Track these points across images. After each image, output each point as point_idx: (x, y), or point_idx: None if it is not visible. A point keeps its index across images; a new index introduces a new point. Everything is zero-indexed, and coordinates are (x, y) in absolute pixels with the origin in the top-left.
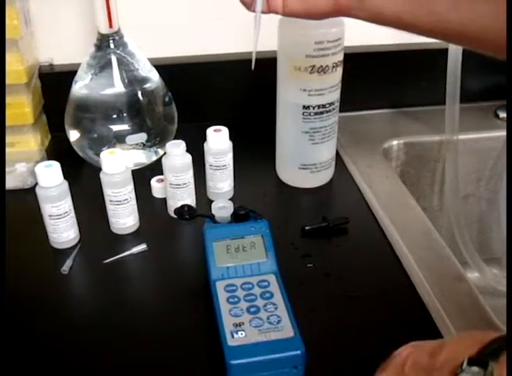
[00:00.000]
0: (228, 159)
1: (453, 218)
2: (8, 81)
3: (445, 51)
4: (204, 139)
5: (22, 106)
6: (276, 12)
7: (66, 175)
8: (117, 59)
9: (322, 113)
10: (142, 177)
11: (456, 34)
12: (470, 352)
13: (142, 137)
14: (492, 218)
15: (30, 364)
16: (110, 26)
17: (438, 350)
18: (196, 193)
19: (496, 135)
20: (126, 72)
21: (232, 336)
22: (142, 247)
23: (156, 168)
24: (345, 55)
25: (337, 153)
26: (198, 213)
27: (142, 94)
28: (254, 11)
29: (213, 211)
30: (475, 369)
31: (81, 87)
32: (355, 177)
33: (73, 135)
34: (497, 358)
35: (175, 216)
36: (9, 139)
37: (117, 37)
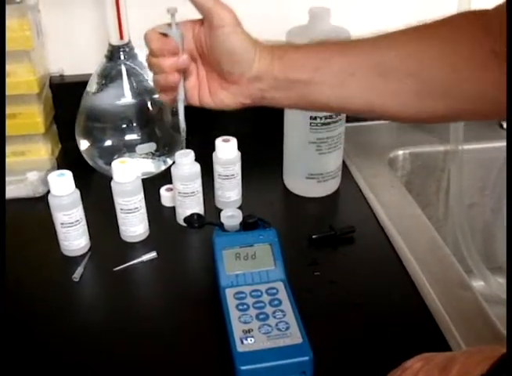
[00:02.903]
0: (237, 168)
1: (458, 227)
2: (19, 91)
3: None
4: (213, 148)
5: (33, 116)
6: (195, 105)
7: (76, 184)
8: (127, 70)
9: (329, 123)
10: (151, 186)
11: (344, 110)
12: (481, 369)
13: (151, 146)
14: (497, 227)
15: (41, 371)
16: (121, 37)
17: (449, 365)
18: (204, 202)
19: (500, 146)
20: (136, 83)
21: (242, 342)
22: (152, 254)
23: (164, 177)
24: None
25: (344, 163)
26: (207, 221)
27: (151, 104)
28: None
29: (222, 220)
30: None
31: (91, 97)
32: (361, 186)
33: (84, 144)
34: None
35: (184, 224)
36: (20, 148)
37: (127, 49)
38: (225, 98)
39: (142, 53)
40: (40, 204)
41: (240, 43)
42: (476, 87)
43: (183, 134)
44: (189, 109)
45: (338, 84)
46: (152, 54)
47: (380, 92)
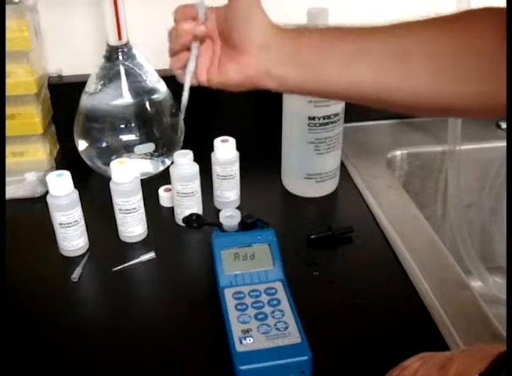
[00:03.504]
0: (235, 169)
1: (456, 227)
2: (18, 91)
3: None
4: (211, 149)
5: (31, 117)
6: (203, 84)
7: (74, 185)
8: (126, 71)
9: (327, 123)
10: (150, 186)
11: (350, 95)
12: (479, 367)
13: (150, 147)
14: (495, 228)
15: (39, 371)
16: (120, 38)
17: (448, 364)
18: (203, 202)
19: (498, 146)
20: (134, 83)
21: (241, 342)
22: (151, 255)
23: (163, 177)
24: None
25: (342, 164)
26: (206, 221)
27: (150, 105)
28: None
29: (221, 220)
30: None
31: (89, 97)
32: (359, 187)
33: (82, 144)
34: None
35: (183, 225)
36: (18, 148)
37: (125, 49)
38: (231, 70)
39: (140, 54)
40: (38, 205)
41: (257, 12)
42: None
43: (183, 111)
44: (186, 108)
45: (349, 63)
46: (175, 21)
47: (393, 73)
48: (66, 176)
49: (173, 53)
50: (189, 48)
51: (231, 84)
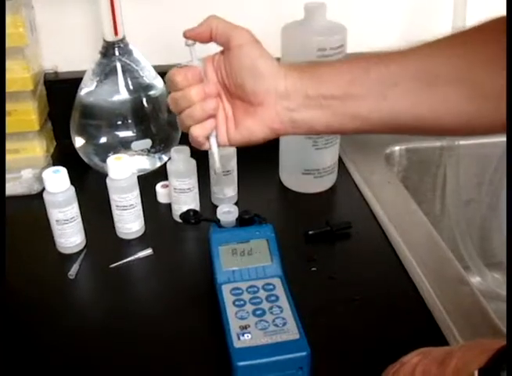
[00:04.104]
0: (233, 165)
1: (455, 222)
2: (14, 88)
3: None
4: None
5: (27, 113)
6: (225, 146)
7: (71, 181)
8: (122, 67)
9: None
10: (147, 183)
11: (382, 128)
12: (479, 362)
13: (147, 143)
14: (494, 223)
15: (36, 369)
16: (116, 33)
17: (447, 359)
18: (200, 198)
19: (497, 141)
20: (131, 79)
21: (239, 338)
22: (148, 251)
23: (160, 173)
24: None
25: (340, 159)
26: (203, 217)
27: (146, 101)
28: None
29: (218, 216)
30: None
31: (86, 94)
32: (357, 182)
33: (79, 141)
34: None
35: (180, 221)
36: (14, 145)
37: (122, 45)
38: (251, 125)
39: (136, 49)
40: (35, 202)
41: (262, 58)
42: None
43: (219, 172)
44: None
45: (379, 96)
46: (176, 88)
47: (429, 102)
48: (62, 173)
49: (196, 122)
50: (214, 115)
51: (255, 140)
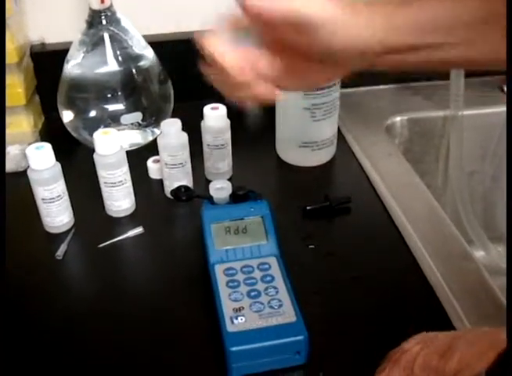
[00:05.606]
0: (227, 138)
1: (458, 195)
2: None
3: None
4: (201, 117)
5: (14, 87)
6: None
7: (60, 157)
8: (110, 36)
9: (323, 88)
10: (139, 158)
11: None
12: (483, 361)
13: (137, 116)
14: (497, 195)
15: (24, 351)
16: (102, 1)
17: (449, 353)
18: (193, 174)
19: (501, 111)
20: (119, 49)
21: (232, 322)
22: (139, 230)
23: (153, 148)
24: None
25: (339, 131)
26: (195, 194)
27: (136, 72)
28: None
29: (211, 192)
30: None
31: (73, 66)
32: (357, 155)
33: (67, 115)
34: None
35: (172, 197)
36: None
37: (109, 13)
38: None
39: (125, 18)
40: (23, 179)
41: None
42: None
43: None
44: (174, 75)
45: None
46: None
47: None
48: (46, 148)
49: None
50: None
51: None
